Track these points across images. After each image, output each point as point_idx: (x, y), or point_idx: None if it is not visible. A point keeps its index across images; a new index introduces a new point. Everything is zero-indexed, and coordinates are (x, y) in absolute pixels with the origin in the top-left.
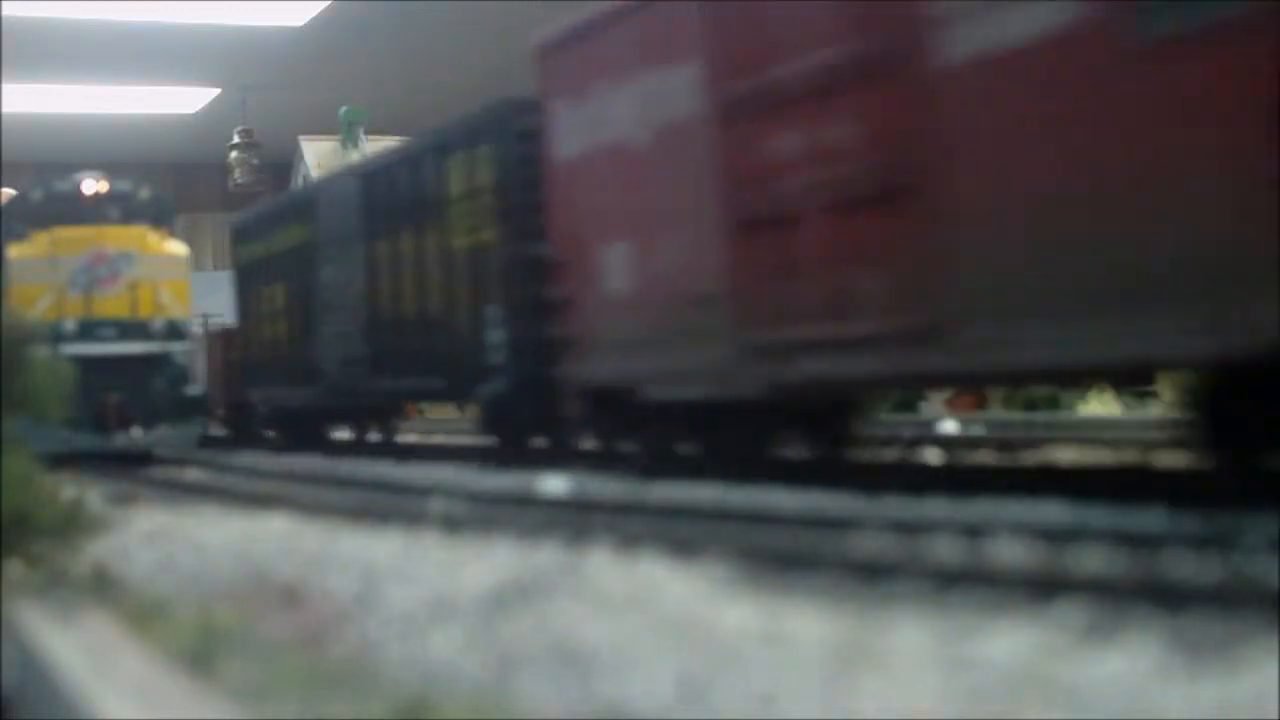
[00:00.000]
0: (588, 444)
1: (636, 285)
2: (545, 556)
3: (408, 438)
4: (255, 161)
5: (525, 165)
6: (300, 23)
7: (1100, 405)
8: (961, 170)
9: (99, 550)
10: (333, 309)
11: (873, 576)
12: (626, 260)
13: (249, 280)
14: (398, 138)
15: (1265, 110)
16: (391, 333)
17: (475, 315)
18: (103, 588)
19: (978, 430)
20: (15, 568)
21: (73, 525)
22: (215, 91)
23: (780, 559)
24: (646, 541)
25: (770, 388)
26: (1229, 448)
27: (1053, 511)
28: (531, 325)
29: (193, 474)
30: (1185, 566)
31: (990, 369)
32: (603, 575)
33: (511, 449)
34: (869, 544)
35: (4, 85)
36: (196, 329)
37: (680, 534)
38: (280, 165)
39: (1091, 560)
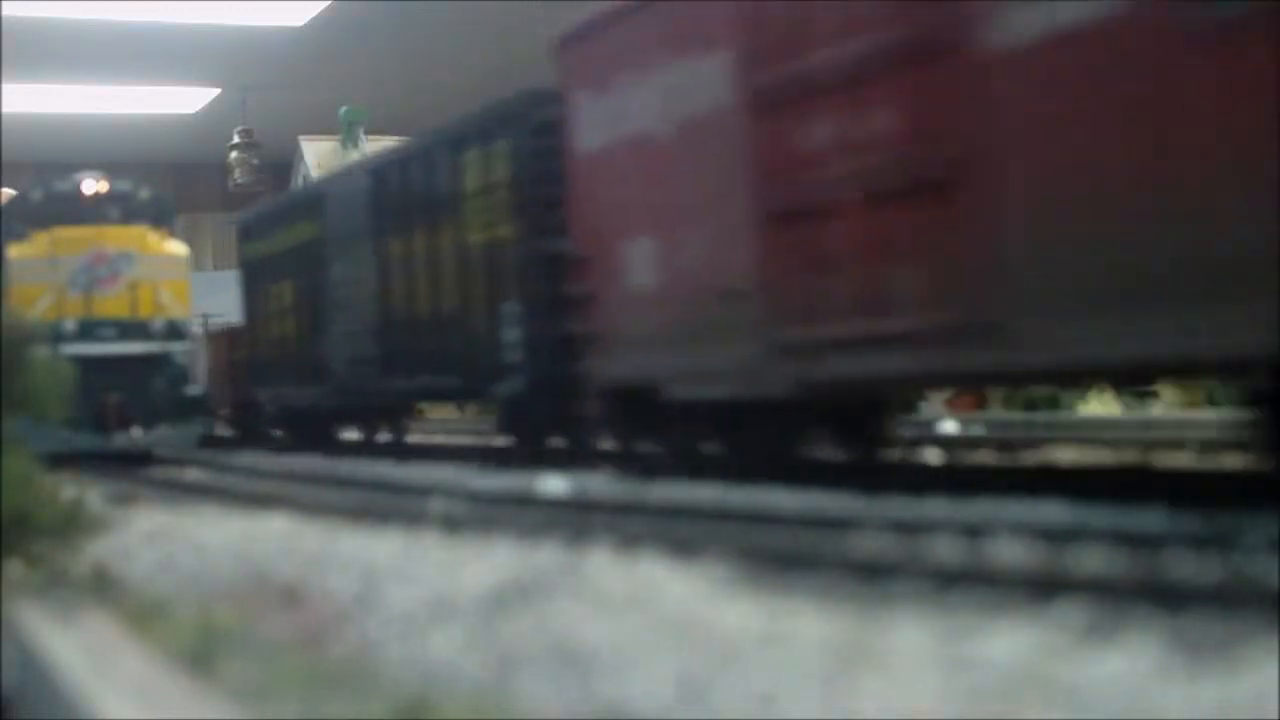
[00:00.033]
0: (605, 444)
1: (661, 281)
2: (545, 556)
3: (415, 438)
4: (255, 161)
5: (544, 159)
6: (300, 23)
7: (1100, 405)
8: (1014, 159)
9: (99, 550)
10: (342, 307)
11: (873, 576)
12: (650, 255)
13: (256, 278)
14: (398, 138)
15: None
16: (404, 331)
17: (491, 313)
18: (103, 588)
19: (978, 430)
20: (15, 568)
21: (73, 525)
22: (215, 91)
23: (780, 559)
24: (646, 541)
25: (800, 387)
26: None
27: (1053, 511)
28: (549, 323)
29: (193, 474)
30: (1185, 566)
31: (1042, 366)
32: (603, 575)
33: (528, 449)
34: (869, 544)
35: (4, 85)
36: (196, 329)
37: (680, 534)
38: (280, 165)
39: (1091, 560)
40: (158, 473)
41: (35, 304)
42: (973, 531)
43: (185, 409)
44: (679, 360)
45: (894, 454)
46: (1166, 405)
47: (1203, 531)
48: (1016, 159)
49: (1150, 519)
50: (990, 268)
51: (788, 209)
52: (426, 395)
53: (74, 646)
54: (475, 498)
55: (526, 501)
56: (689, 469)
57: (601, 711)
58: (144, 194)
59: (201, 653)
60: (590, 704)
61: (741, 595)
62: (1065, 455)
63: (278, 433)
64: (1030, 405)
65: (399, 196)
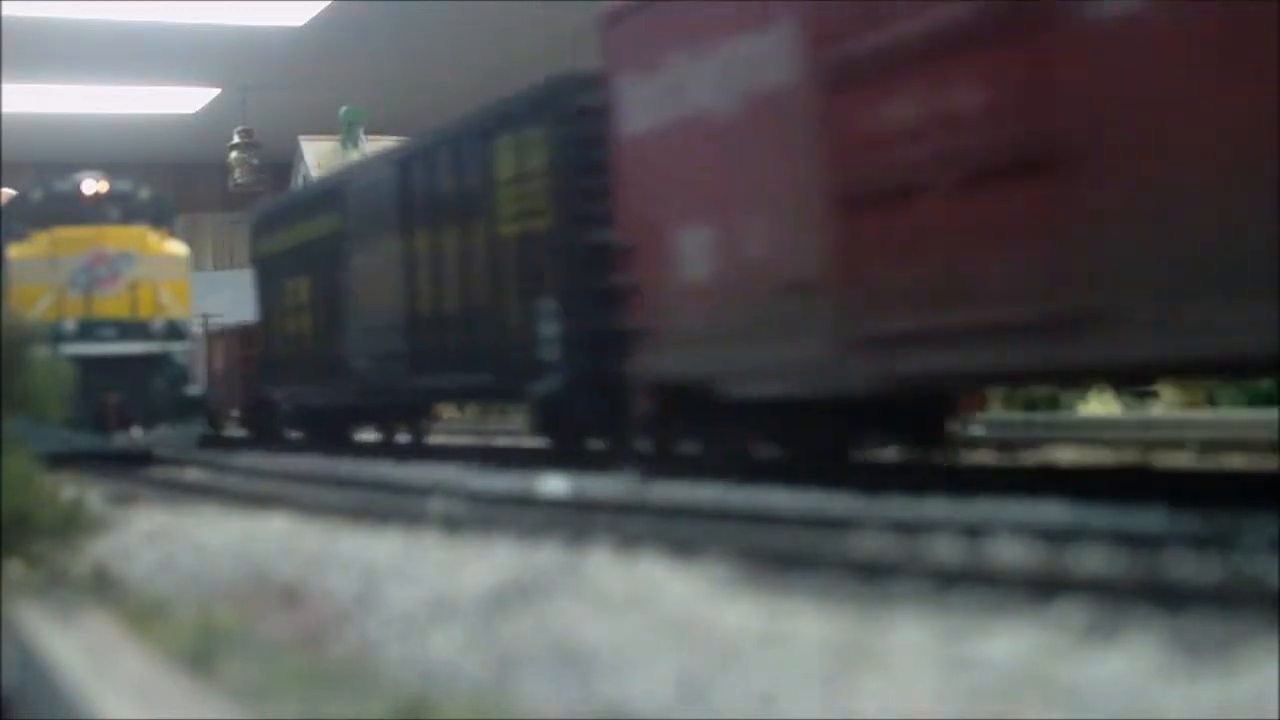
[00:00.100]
0: (646, 445)
1: (717, 271)
2: (545, 556)
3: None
4: (255, 161)
5: (583, 146)
6: (300, 23)
7: (1100, 405)
8: (1125, 136)
9: (99, 550)
10: (363, 303)
11: (873, 576)
12: (706, 244)
13: (270, 273)
14: (397, 137)
15: None
16: (431, 327)
17: (526, 307)
18: (103, 588)
19: (978, 430)
20: (15, 568)
21: (73, 525)
22: (215, 91)
23: (780, 559)
24: (646, 541)
25: (876, 383)
26: None
27: (1053, 511)
28: (589, 318)
29: (193, 474)
30: (1185, 566)
31: (1153, 358)
32: (603, 575)
33: (564, 450)
34: (869, 544)
35: (4, 85)
36: (196, 329)
37: (680, 534)
38: (280, 165)
39: (1091, 560)
40: (158, 473)
41: (35, 304)
42: (973, 531)
43: (185, 409)
44: (736, 355)
45: (955, 455)
46: (1166, 405)
47: (1203, 531)
48: (1131, 134)
49: (1150, 519)
50: (1095, 253)
51: (865, 193)
52: (455, 394)
53: (74, 646)
54: (475, 498)
55: (526, 501)
56: (740, 472)
57: (601, 711)
58: (144, 194)
59: (201, 653)
60: (590, 704)
61: (741, 595)
62: (1065, 455)
63: (292, 433)
64: (1030, 405)
65: (425, 187)
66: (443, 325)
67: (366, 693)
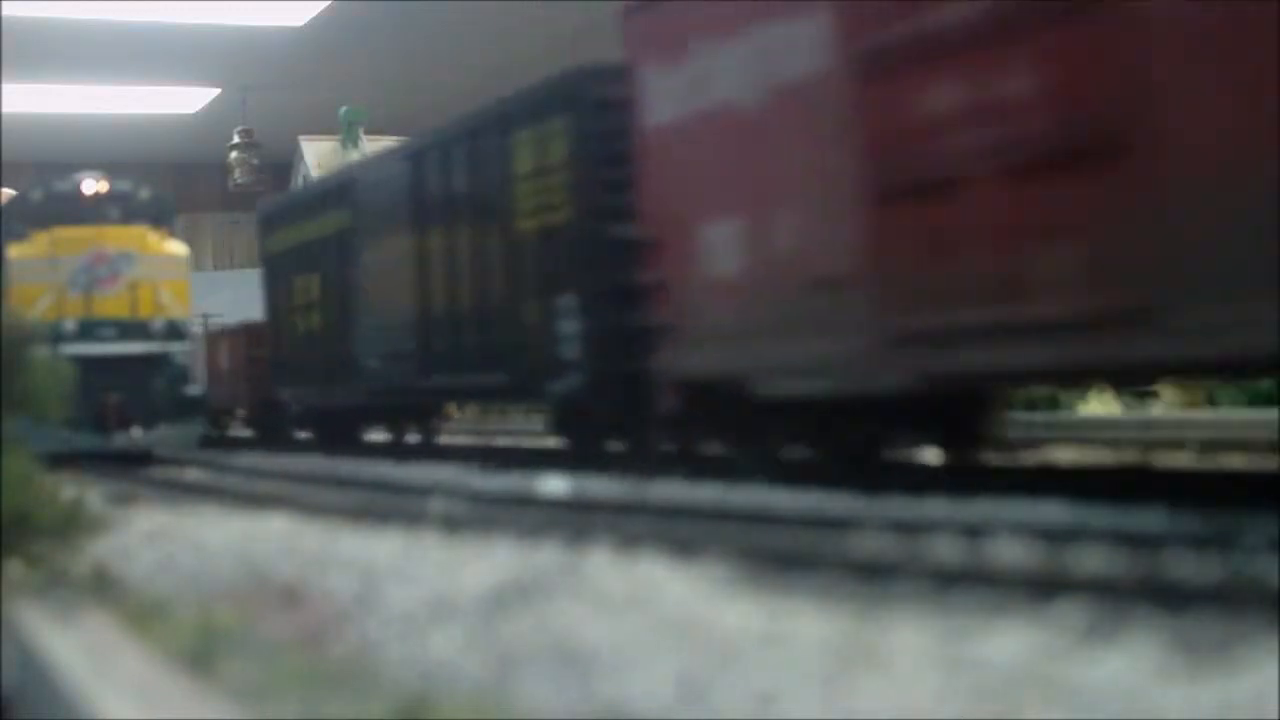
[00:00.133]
0: (670, 446)
1: (747, 266)
2: (545, 556)
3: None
4: (255, 161)
5: (605, 139)
6: (300, 23)
7: (1100, 405)
8: (1189, 121)
9: (99, 550)
10: (375, 300)
11: (873, 576)
12: (735, 238)
13: (279, 271)
14: (397, 138)
15: None
16: (445, 326)
17: (544, 304)
18: (103, 588)
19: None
20: (15, 568)
21: (73, 525)
22: (215, 91)
23: (780, 559)
24: (646, 541)
25: (919, 381)
26: None
27: (1053, 511)
28: (610, 315)
29: (193, 474)
30: (1185, 566)
31: (1217, 355)
32: (603, 575)
33: (584, 451)
34: (869, 544)
35: (4, 85)
36: (196, 329)
37: (680, 534)
38: (280, 165)
39: (1091, 560)
40: (158, 473)
41: (35, 304)
42: (973, 531)
43: (185, 409)
44: (766, 352)
45: (997, 456)
46: (1166, 405)
47: (1203, 531)
48: (1196, 119)
49: (1150, 519)
50: (1155, 245)
51: (905, 184)
52: (470, 394)
53: (74, 646)
54: (475, 498)
55: (526, 501)
56: (770, 473)
57: (601, 711)
58: (144, 194)
59: (201, 653)
60: (590, 704)
61: (741, 595)
62: (1065, 455)
63: (300, 433)
64: (1030, 405)
65: (439, 182)
66: (457, 324)
67: (366, 693)
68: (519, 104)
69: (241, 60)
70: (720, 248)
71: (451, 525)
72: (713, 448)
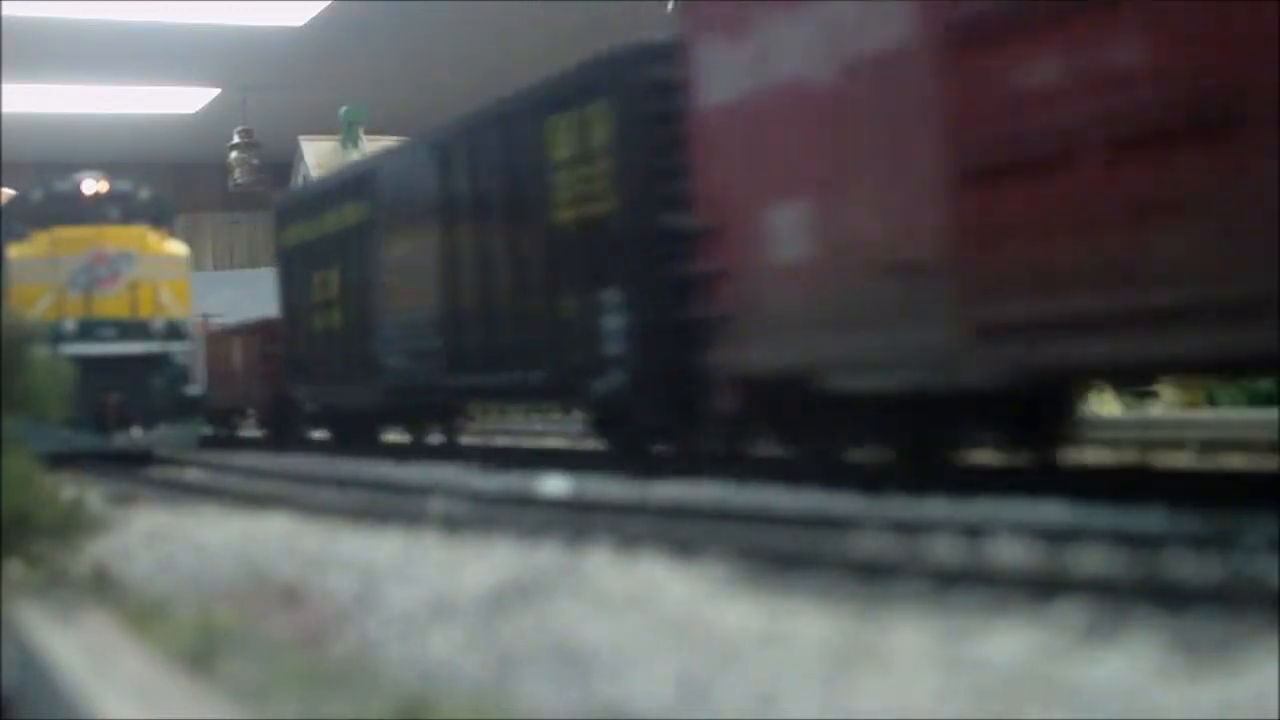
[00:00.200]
0: (720, 447)
1: (816, 253)
2: (545, 556)
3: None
4: (255, 161)
5: (654, 122)
6: (300, 23)
7: (1100, 405)
8: None
9: (99, 550)
10: (398, 296)
11: (873, 576)
12: (803, 222)
13: (295, 266)
14: (397, 138)
15: None
16: (474, 322)
17: (584, 298)
18: (103, 588)
19: None
20: (15, 568)
21: (73, 525)
22: (215, 91)
23: (780, 559)
24: (646, 541)
25: (1006, 375)
26: None
27: (1053, 511)
28: (657, 308)
29: (193, 474)
30: (1185, 566)
31: None
32: (603, 575)
33: (628, 454)
34: (869, 544)
35: (4, 85)
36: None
37: (680, 534)
38: (280, 165)
39: (1091, 560)
40: (158, 473)
41: (35, 304)
42: (973, 532)
43: (185, 409)
44: (840, 345)
45: (1075, 455)
46: (1166, 405)
47: (1203, 531)
48: None
49: (1150, 519)
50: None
51: (996, 162)
52: (503, 394)
53: (74, 646)
54: (475, 498)
55: (526, 501)
56: (833, 476)
57: (601, 711)
58: (144, 194)
59: (201, 653)
60: (590, 704)
61: (741, 595)
62: (1065, 455)
63: (315, 434)
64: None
65: (469, 170)
66: (487, 320)
67: (366, 693)
68: (555, 87)
69: (241, 60)
70: (786, 233)
71: (451, 525)
72: (766, 448)
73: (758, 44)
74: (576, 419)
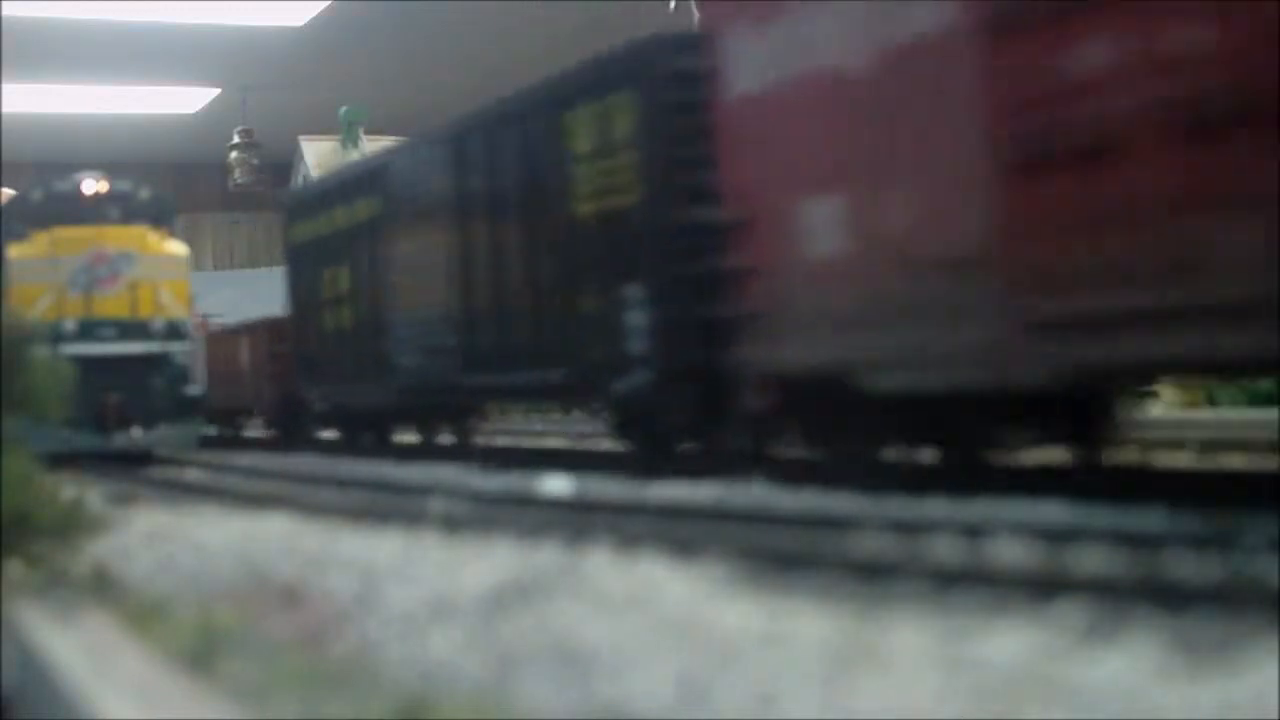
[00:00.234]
0: (749, 447)
1: (853, 248)
2: (545, 556)
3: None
4: (255, 161)
5: (679, 113)
6: (300, 23)
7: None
8: None
9: (99, 550)
10: (411, 294)
11: (873, 576)
12: (839, 216)
13: (304, 263)
14: (397, 138)
15: None
16: (489, 320)
17: (607, 295)
18: (103, 588)
19: None
20: (15, 568)
21: (73, 525)
22: (215, 91)
23: (780, 559)
24: (646, 541)
25: (1057, 373)
26: None
27: (1053, 511)
28: (682, 305)
29: (193, 474)
30: (1185, 566)
31: None
32: (603, 575)
33: (650, 455)
34: (869, 544)
35: (4, 85)
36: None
37: (680, 534)
38: (280, 165)
39: (1091, 560)
40: (158, 473)
41: (35, 304)
42: (973, 532)
43: (185, 409)
44: (879, 342)
45: (1124, 456)
46: (1166, 405)
47: (1203, 531)
48: None
49: (1150, 519)
50: None
51: (1046, 153)
52: (520, 394)
53: (74, 646)
54: (475, 498)
55: (526, 501)
56: (868, 478)
57: (601, 711)
58: (144, 194)
59: (201, 653)
60: (590, 704)
61: (741, 595)
62: (1066, 455)
63: (325, 434)
64: None
65: (485, 164)
66: (503, 317)
67: (366, 693)
68: (575, 79)
69: (241, 60)
70: (821, 228)
71: (451, 525)
72: (794, 449)
73: (791, 33)
74: (578, 419)
